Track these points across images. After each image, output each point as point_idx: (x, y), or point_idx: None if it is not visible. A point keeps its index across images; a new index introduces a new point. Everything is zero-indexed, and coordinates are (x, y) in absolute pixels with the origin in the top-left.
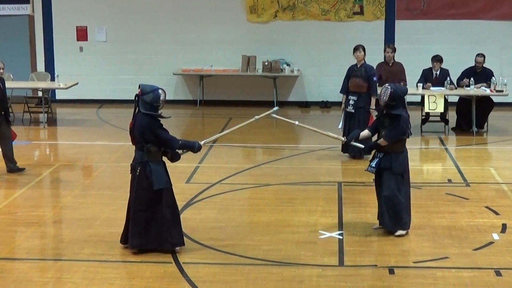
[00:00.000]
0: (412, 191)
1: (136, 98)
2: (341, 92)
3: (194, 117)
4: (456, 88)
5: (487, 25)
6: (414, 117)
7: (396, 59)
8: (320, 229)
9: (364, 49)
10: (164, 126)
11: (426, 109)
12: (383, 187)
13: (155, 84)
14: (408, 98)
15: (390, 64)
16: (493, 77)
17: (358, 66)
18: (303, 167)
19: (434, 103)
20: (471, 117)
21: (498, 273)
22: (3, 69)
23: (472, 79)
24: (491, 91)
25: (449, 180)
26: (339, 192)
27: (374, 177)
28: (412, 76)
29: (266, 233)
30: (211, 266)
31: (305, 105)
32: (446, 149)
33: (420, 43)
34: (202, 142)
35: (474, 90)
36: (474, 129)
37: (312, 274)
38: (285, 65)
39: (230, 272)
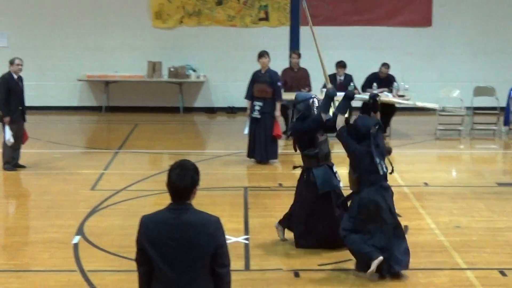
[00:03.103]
0: None
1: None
2: (246, 98)
3: (99, 123)
4: (360, 93)
5: (390, 32)
6: None
7: (301, 65)
8: (226, 234)
9: (268, 55)
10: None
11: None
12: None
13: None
14: None
15: (296, 70)
16: (395, 83)
17: (263, 72)
18: (209, 172)
19: None
20: None
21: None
22: (21, 65)
23: (375, 84)
24: (393, 96)
25: None
26: (245, 197)
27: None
28: (317, 81)
29: None
30: (117, 274)
31: (211, 110)
32: None
33: (324, 49)
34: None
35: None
36: None
37: None
38: (191, 71)
39: (136, 279)
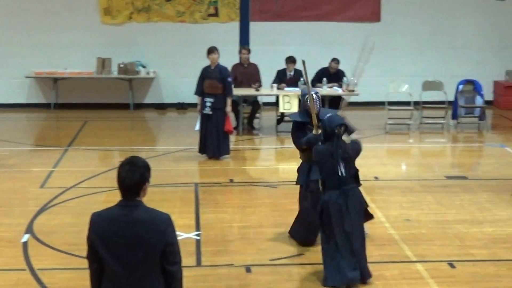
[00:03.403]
0: (268, 190)
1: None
2: (195, 94)
3: (47, 120)
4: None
5: (339, 27)
6: (270, 117)
7: (251, 61)
8: (177, 231)
9: (218, 51)
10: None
11: (281, 109)
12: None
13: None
14: (263, 99)
15: (246, 65)
16: (344, 77)
17: (213, 67)
18: (160, 169)
19: (289, 103)
20: None
21: None
22: None
23: (325, 79)
24: (343, 90)
25: None
26: (196, 192)
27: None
28: (267, 76)
29: None
30: (67, 272)
31: (161, 107)
32: None
33: (274, 44)
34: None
35: (327, 90)
36: None
37: None
38: (140, 67)
39: (86, 277)
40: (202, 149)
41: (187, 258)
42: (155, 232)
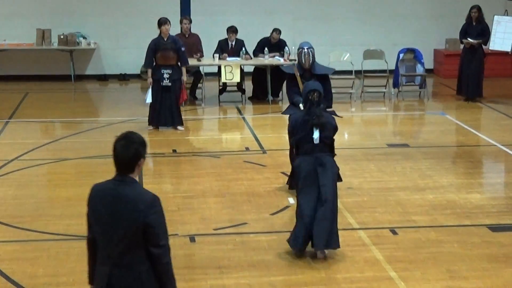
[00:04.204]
0: (211, 160)
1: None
2: (145, 66)
3: None
4: (251, 58)
5: None
6: (212, 87)
7: (193, 31)
8: None
9: (170, 22)
10: None
11: (223, 80)
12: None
13: None
14: (205, 69)
15: (187, 36)
16: (286, 47)
17: (165, 39)
18: (102, 140)
19: (231, 73)
20: (266, 86)
21: None
22: None
23: (266, 49)
24: (284, 60)
25: (247, 148)
26: None
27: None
28: (209, 47)
29: (66, 207)
30: (11, 244)
31: (103, 78)
32: (244, 118)
33: (215, 14)
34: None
35: (269, 59)
36: (270, 98)
37: None
38: (81, 38)
39: (31, 248)
40: (154, 120)
41: None
42: (134, 211)
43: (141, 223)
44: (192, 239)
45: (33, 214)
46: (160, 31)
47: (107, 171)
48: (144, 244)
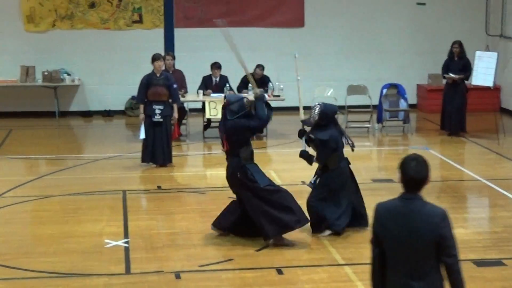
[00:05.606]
0: (196, 196)
1: (223, 109)
2: (138, 101)
3: None
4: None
5: (263, 32)
6: (197, 123)
7: (176, 67)
8: (106, 238)
9: (164, 58)
10: None
11: (208, 116)
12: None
13: None
14: (189, 105)
15: (170, 72)
16: (270, 83)
17: (158, 75)
18: (86, 177)
19: (215, 109)
20: None
21: (279, 271)
22: None
23: (250, 85)
24: (268, 96)
25: None
26: (123, 200)
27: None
28: (193, 83)
29: (51, 244)
30: None
31: (87, 114)
32: None
33: (199, 50)
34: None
35: (252, 95)
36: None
37: (99, 284)
38: (65, 75)
39: (15, 287)
40: (148, 157)
41: (116, 266)
42: (429, 224)
43: (436, 236)
44: (177, 275)
45: (18, 252)
46: (154, 67)
47: (92, 207)
48: (436, 254)
